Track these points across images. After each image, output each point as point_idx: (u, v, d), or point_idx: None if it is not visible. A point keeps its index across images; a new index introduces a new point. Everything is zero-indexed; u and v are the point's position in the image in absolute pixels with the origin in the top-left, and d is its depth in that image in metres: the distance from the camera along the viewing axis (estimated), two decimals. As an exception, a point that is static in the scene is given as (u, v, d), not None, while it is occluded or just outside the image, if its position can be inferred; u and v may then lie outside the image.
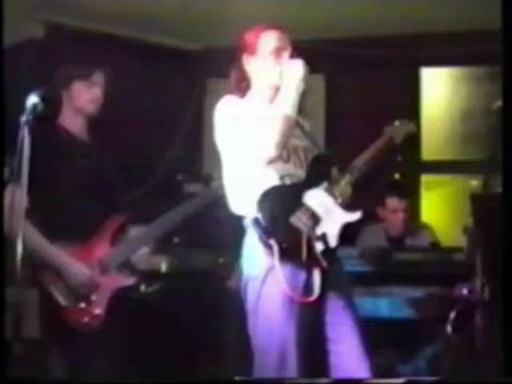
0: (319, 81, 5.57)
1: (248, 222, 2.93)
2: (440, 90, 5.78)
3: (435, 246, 4.79)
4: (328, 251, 2.90)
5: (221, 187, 3.09)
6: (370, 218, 4.54)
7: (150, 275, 4.47)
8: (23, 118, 2.85)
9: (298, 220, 2.88)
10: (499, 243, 2.87)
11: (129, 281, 3.55)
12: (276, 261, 2.82)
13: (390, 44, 5.37)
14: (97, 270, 3.43)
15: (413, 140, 3.42)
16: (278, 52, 3.00)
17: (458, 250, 4.15)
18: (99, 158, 3.59)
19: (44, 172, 3.27)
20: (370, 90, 5.51)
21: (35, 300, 3.27)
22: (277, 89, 3.00)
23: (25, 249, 2.80)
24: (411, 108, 5.57)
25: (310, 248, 2.87)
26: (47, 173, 3.34)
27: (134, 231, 3.62)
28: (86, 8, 4.88)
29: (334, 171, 3.05)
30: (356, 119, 5.49)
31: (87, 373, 3.33)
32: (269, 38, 3.02)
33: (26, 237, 2.86)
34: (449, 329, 3.89)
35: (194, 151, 5.59)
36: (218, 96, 3.07)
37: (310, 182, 2.97)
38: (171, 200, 4.04)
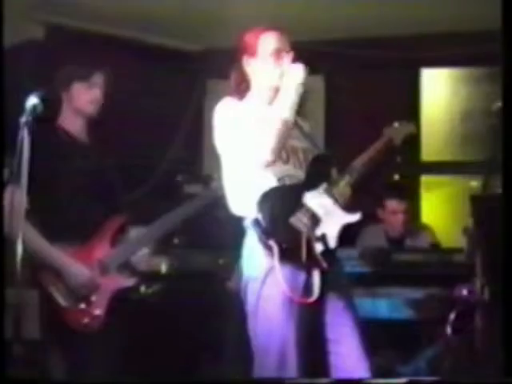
0: (319, 82, 5.57)
1: (248, 223, 2.93)
2: (440, 91, 5.78)
3: (435, 246, 4.79)
4: (328, 252, 2.90)
5: (221, 188, 3.09)
6: (369, 219, 4.54)
7: (150, 276, 4.47)
8: (23, 119, 2.85)
9: (298, 221, 2.88)
10: (499, 244, 2.87)
11: (129, 282, 3.55)
12: (276, 261, 2.82)
13: (390, 45, 5.37)
14: (97, 271, 3.43)
15: (412, 141, 3.42)
16: (277, 53, 3.00)
17: (458, 250, 4.15)
18: (99, 158, 3.60)
19: (44, 173, 3.27)
20: (370, 91, 5.51)
21: (35, 301, 3.27)
22: (276, 90, 3.01)
23: (25, 249, 2.80)
24: (411, 109, 5.57)
25: (310, 249, 2.87)
26: (47, 174, 3.34)
27: (134, 232, 3.62)
28: (86, 9, 4.88)
29: (334, 172, 3.05)
30: (356, 120, 5.49)
31: (87, 373, 3.33)
32: (269, 39, 3.02)
33: (25, 237, 2.87)
34: (449, 330, 3.89)
35: (193, 152, 5.59)
36: (217, 97, 3.07)
37: (310, 182, 2.97)
38: (171, 201, 4.04)
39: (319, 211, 2.92)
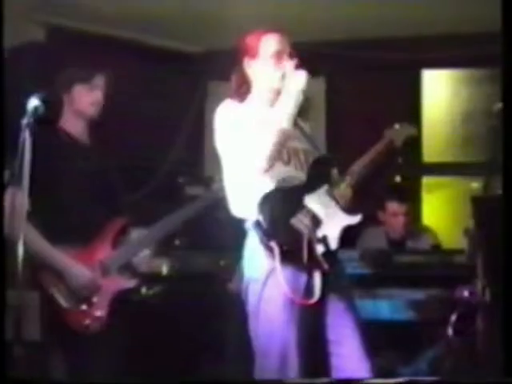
0: (320, 83, 5.57)
1: (249, 225, 2.93)
2: (440, 92, 5.78)
3: (436, 248, 4.79)
4: (329, 253, 2.90)
5: (222, 189, 3.09)
6: (370, 220, 4.54)
7: (151, 277, 4.47)
8: (24, 121, 2.85)
9: (299, 222, 2.89)
10: (500, 245, 2.87)
11: (130, 283, 3.55)
12: (277, 263, 2.83)
13: (391, 46, 5.37)
14: (98, 272, 3.43)
15: (413, 143, 3.42)
16: (278, 55, 3.01)
17: (459, 252, 4.15)
18: (100, 160, 3.60)
19: (45, 174, 3.27)
20: (371, 92, 5.50)
21: (36, 302, 3.27)
22: (277, 92, 3.01)
23: (26, 251, 2.81)
24: (412, 110, 5.57)
25: (311, 250, 2.88)
26: (48, 175, 3.34)
27: (135, 234, 3.62)
28: (86, 10, 4.88)
29: (335, 174, 3.05)
30: (357, 122, 5.49)
31: (88, 375, 3.33)
32: (270, 41, 3.02)
33: (27, 239, 2.87)
34: (450, 331, 3.89)
35: (195, 154, 5.59)
36: (219, 99, 3.08)
37: (311, 184, 2.98)
38: (172, 202, 4.05)
39: (320, 213, 2.93)
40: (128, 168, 3.84)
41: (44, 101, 2.88)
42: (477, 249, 3.66)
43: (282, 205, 2.91)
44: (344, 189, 2.99)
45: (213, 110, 3.04)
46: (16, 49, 4.57)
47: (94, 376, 3.34)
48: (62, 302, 3.34)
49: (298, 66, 2.97)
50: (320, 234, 2.91)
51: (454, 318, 3.87)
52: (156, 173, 5.36)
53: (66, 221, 3.40)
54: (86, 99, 3.54)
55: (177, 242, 4.82)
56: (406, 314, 4.16)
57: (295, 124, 3.03)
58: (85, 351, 3.33)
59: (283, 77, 2.98)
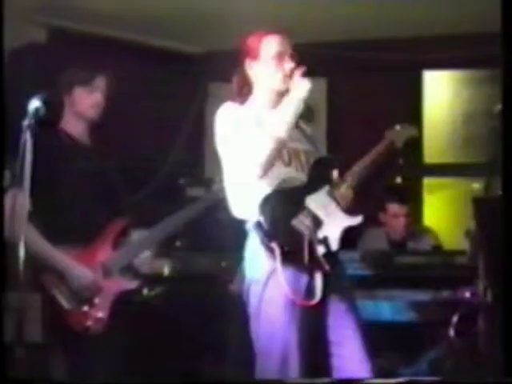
0: (320, 84, 5.57)
1: (250, 226, 2.93)
2: (441, 93, 5.78)
3: (437, 249, 4.78)
4: (330, 254, 2.90)
5: (222, 190, 3.09)
6: (371, 221, 4.54)
7: (153, 278, 4.47)
8: (25, 122, 2.85)
9: (300, 223, 2.88)
10: (500, 246, 2.87)
11: (131, 284, 3.56)
12: (278, 264, 2.82)
13: (391, 47, 5.36)
14: (99, 274, 3.43)
15: (414, 144, 3.41)
16: (280, 57, 3.01)
17: (461, 253, 4.15)
18: (101, 161, 3.60)
19: (46, 175, 3.28)
20: (372, 93, 5.50)
21: (37, 303, 3.27)
22: (278, 93, 3.02)
23: (27, 252, 2.81)
24: (413, 111, 5.56)
25: (312, 251, 2.88)
26: (49, 176, 3.35)
27: (137, 235, 3.63)
28: (87, 11, 4.88)
29: (335, 175, 3.05)
30: (357, 123, 5.49)
31: (90, 376, 3.33)
32: (271, 42, 3.02)
33: (28, 240, 2.87)
34: (451, 332, 3.89)
35: (195, 155, 5.59)
36: (219, 100, 3.08)
37: (312, 185, 2.97)
38: (173, 203, 4.05)
39: (321, 214, 2.93)
40: (128, 169, 3.85)
41: (45, 102, 2.88)
42: (478, 250, 3.66)
43: (283, 206, 2.91)
44: (345, 190, 2.99)
45: (213, 111, 3.04)
46: (17, 50, 4.57)
47: (96, 377, 3.34)
48: (64, 303, 3.34)
49: (300, 69, 2.97)
50: (321, 235, 2.90)
51: (455, 319, 3.87)
52: (156, 174, 5.36)
53: (67, 222, 3.40)
54: (86, 101, 3.54)
55: (178, 243, 4.81)
56: (407, 315, 4.16)
57: (296, 126, 3.03)
58: (86, 352, 3.33)
59: (286, 80, 2.98)
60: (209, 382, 4.12)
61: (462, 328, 3.86)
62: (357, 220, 2.97)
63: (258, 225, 2.88)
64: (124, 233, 3.58)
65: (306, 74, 2.97)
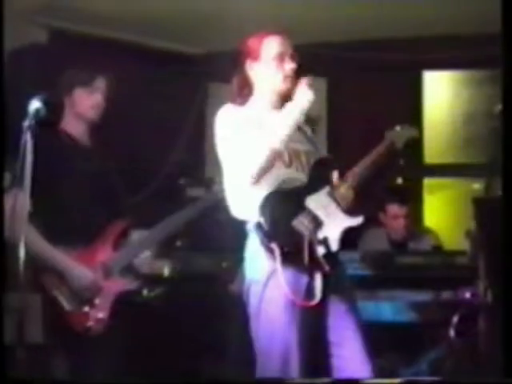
0: (321, 85, 5.57)
1: (250, 226, 2.93)
2: (442, 94, 5.78)
3: (438, 249, 4.78)
4: (330, 255, 2.90)
5: (222, 191, 3.09)
6: (371, 222, 4.54)
7: (153, 279, 4.47)
8: (26, 123, 2.85)
9: (300, 224, 2.88)
10: (499, 246, 2.87)
11: (132, 285, 3.56)
12: (278, 265, 2.82)
13: (392, 47, 5.36)
14: (100, 274, 3.44)
15: (414, 145, 3.41)
16: (280, 57, 3.01)
17: (461, 253, 4.15)
18: (101, 162, 3.60)
19: (46, 176, 3.28)
20: (372, 94, 5.50)
21: (38, 304, 3.27)
22: (279, 94, 3.02)
23: (27, 252, 2.81)
24: (413, 111, 5.56)
25: (312, 252, 2.87)
26: (49, 177, 3.35)
27: (137, 235, 3.63)
28: (88, 12, 4.88)
29: (336, 175, 3.05)
30: (358, 123, 5.49)
31: (91, 376, 3.33)
32: (272, 43, 3.03)
33: (29, 240, 2.87)
34: (452, 332, 3.89)
35: (196, 155, 5.59)
36: (220, 100, 3.08)
37: (312, 186, 2.97)
38: (173, 204, 4.05)
39: (321, 214, 2.93)
40: (129, 170, 3.85)
41: (45, 103, 2.88)
42: (478, 250, 3.67)
43: (283, 206, 2.91)
44: (345, 190, 2.99)
45: (214, 112, 3.04)
46: (17, 51, 4.57)
47: (96, 377, 3.34)
48: (65, 304, 3.34)
49: (305, 78, 2.97)
50: (321, 235, 2.90)
51: (455, 319, 3.87)
52: (157, 174, 5.36)
53: (67, 222, 3.40)
54: (86, 102, 3.54)
55: (178, 244, 4.81)
56: (408, 316, 4.16)
57: (297, 127, 3.04)
58: (87, 353, 3.33)
59: (287, 81, 2.98)
60: (209, 382, 4.12)
61: (462, 328, 3.86)
62: (357, 221, 2.97)
63: (258, 225, 2.88)
64: (124, 233, 3.58)
65: (306, 75, 2.98)
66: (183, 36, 5.38)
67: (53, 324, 3.32)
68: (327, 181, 3.01)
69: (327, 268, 2.89)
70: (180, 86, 5.49)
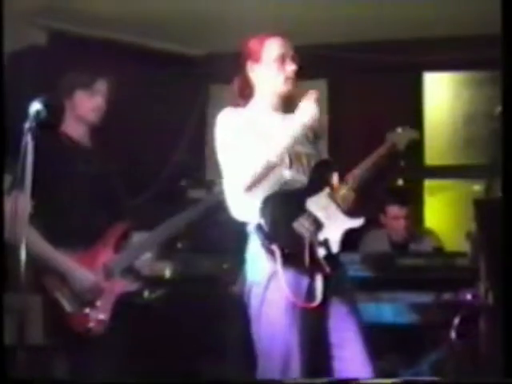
0: (321, 86, 5.57)
1: (251, 228, 2.93)
2: (442, 95, 5.78)
3: (438, 251, 4.78)
4: (330, 256, 2.90)
5: (223, 192, 3.08)
6: (372, 224, 4.54)
7: (154, 281, 4.48)
8: (26, 125, 2.85)
9: (301, 226, 2.88)
10: (500, 248, 2.87)
11: (133, 286, 3.56)
12: (278, 266, 2.82)
13: (392, 49, 5.36)
14: (101, 276, 3.44)
15: (415, 146, 3.41)
16: (282, 59, 3.01)
17: (462, 255, 4.15)
18: (102, 164, 3.60)
19: (47, 178, 3.28)
20: (372, 95, 5.51)
21: (38, 305, 3.28)
22: (280, 96, 3.02)
23: (28, 254, 2.81)
24: (413, 112, 5.56)
25: (313, 253, 2.87)
26: (50, 179, 3.35)
27: (138, 237, 3.63)
28: (88, 14, 4.89)
29: (337, 177, 3.05)
30: (358, 125, 5.49)
31: (91, 378, 3.33)
32: (273, 45, 3.03)
33: (29, 242, 2.87)
34: (453, 334, 3.88)
35: (197, 157, 5.59)
36: (221, 102, 3.08)
37: (313, 187, 2.97)
38: (175, 206, 4.04)
39: (322, 216, 2.93)
40: (130, 171, 3.85)
41: (46, 105, 2.88)
42: (479, 252, 3.66)
43: (284, 208, 2.91)
44: (346, 192, 2.99)
45: (215, 114, 3.04)
46: (17, 53, 4.58)
47: (97, 379, 3.34)
48: (66, 305, 3.35)
49: (311, 95, 2.98)
50: (321, 237, 2.90)
51: (456, 321, 3.87)
52: (158, 176, 5.36)
53: (68, 224, 3.41)
54: (87, 105, 3.54)
55: (179, 245, 4.81)
56: (409, 317, 4.16)
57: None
58: (87, 354, 3.33)
59: (288, 82, 2.99)
60: (209, 382, 4.12)
61: (463, 330, 3.85)
62: (358, 222, 2.97)
63: (259, 227, 2.88)
64: (125, 235, 3.58)
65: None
66: (184, 37, 5.38)
67: (53, 325, 3.32)
68: (328, 183, 3.01)
69: (328, 270, 2.89)
70: (181, 88, 5.49)
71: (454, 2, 4.68)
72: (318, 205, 2.94)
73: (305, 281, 2.88)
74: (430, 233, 5.05)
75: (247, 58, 3.05)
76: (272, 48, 3.02)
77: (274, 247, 2.84)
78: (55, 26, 5.11)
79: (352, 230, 2.95)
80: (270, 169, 2.88)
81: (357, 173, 3.03)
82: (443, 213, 5.74)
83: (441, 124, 5.73)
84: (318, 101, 2.97)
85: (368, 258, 4.29)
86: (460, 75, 5.75)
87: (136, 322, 3.64)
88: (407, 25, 5.01)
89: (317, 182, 2.99)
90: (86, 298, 3.37)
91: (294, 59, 3.03)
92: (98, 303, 3.40)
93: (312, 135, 3.12)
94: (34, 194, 2.84)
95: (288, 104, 3.07)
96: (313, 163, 3.02)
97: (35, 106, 2.87)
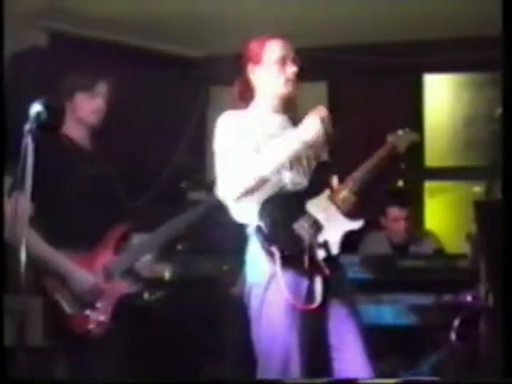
0: (322, 88, 5.58)
1: (250, 230, 2.93)
2: (442, 97, 5.78)
3: (439, 252, 4.78)
4: (330, 258, 2.90)
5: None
6: (372, 226, 4.54)
7: (154, 282, 4.47)
8: (27, 127, 2.85)
9: (300, 227, 2.88)
10: (500, 249, 2.87)
11: (133, 288, 3.56)
12: (278, 268, 2.82)
13: (392, 51, 5.37)
14: (101, 278, 3.44)
15: (416, 149, 3.41)
16: (282, 61, 3.01)
17: (462, 256, 4.15)
18: (102, 165, 3.61)
19: (48, 180, 3.28)
20: (373, 97, 5.51)
21: (39, 307, 3.28)
22: (280, 98, 3.02)
23: (29, 256, 2.81)
24: (413, 114, 5.57)
25: (312, 255, 2.87)
26: (51, 181, 3.35)
27: (138, 238, 3.63)
28: (88, 16, 4.89)
29: (337, 179, 3.05)
30: (359, 127, 5.49)
31: (91, 379, 3.33)
32: (273, 47, 3.03)
33: (30, 244, 2.87)
34: (453, 336, 3.88)
35: (197, 158, 5.59)
36: (221, 103, 3.08)
37: (313, 189, 2.97)
38: (175, 207, 4.05)
39: (321, 218, 2.92)
40: (130, 173, 3.85)
41: (46, 106, 2.88)
42: (479, 253, 3.66)
43: (284, 210, 2.91)
44: (346, 194, 2.98)
45: (215, 115, 3.03)
46: (18, 54, 4.58)
47: (97, 380, 3.34)
48: (66, 307, 3.35)
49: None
50: (321, 239, 2.90)
51: (457, 322, 3.86)
52: (158, 178, 5.36)
53: (69, 226, 3.41)
54: (87, 107, 3.55)
55: (179, 247, 4.81)
56: (409, 319, 4.16)
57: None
58: (88, 356, 3.33)
59: (288, 84, 2.99)
60: (209, 382, 4.12)
61: (463, 331, 3.85)
62: (358, 224, 2.97)
63: (259, 229, 2.88)
64: (125, 237, 3.58)
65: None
66: (184, 39, 5.38)
67: (54, 327, 3.33)
68: (328, 185, 3.01)
69: (327, 272, 2.89)
70: (181, 90, 5.49)
71: (454, 4, 4.68)
72: (318, 207, 2.94)
73: (304, 283, 2.88)
74: (430, 234, 5.05)
75: (248, 60, 3.05)
76: (273, 50, 3.02)
77: (274, 249, 2.84)
78: (56, 28, 5.11)
79: (352, 232, 2.95)
80: (262, 182, 2.88)
81: (357, 175, 3.03)
82: (443, 214, 5.74)
83: (441, 126, 5.73)
84: (325, 119, 2.94)
85: (368, 260, 4.30)
86: (460, 77, 5.75)
87: (136, 323, 3.64)
88: (407, 26, 5.01)
89: (317, 183, 2.99)
90: (86, 300, 3.37)
91: (294, 61, 3.02)
92: (98, 305, 3.40)
93: (313, 152, 3.09)
94: (34, 196, 2.84)
95: (289, 106, 3.07)
96: (313, 165, 3.03)
97: (36, 108, 2.87)
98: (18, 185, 2.82)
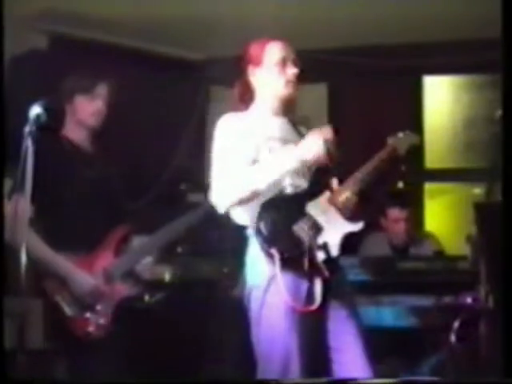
0: (322, 90, 5.58)
1: (250, 232, 2.93)
2: (442, 98, 5.78)
3: (439, 254, 4.78)
4: (330, 260, 2.90)
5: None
6: (372, 227, 4.54)
7: (154, 285, 4.47)
8: (27, 129, 2.85)
9: (300, 229, 2.88)
10: (500, 251, 2.87)
11: (133, 290, 3.56)
12: (277, 270, 2.82)
13: (392, 53, 5.37)
14: (101, 280, 3.44)
15: (416, 151, 3.41)
16: (283, 63, 3.01)
17: (462, 258, 4.15)
18: (103, 167, 3.61)
19: (48, 182, 3.28)
20: (373, 99, 5.51)
21: (39, 309, 3.28)
22: (280, 99, 3.02)
23: (29, 258, 2.81)
24: (413, 116, 5.57)
25: (312, 257, 2.87)
26: (51, 183, 3.35)
27: (138, 241, 3.63)
28: (88, 18, 4.89)
29: (337, 181, 3.04)
30: (359, 129, 5.49)
31: (91, 381, 3.33)
32: (274, 49, 3.03)
33: (30, 246, 2.87)
34: (453, 337, 3.88)
35: (197, 161, 5.58)
36: (221, 105, 3.08)
37: (313, 191, 2.97)
38: (175, 209, 4.05)
39: (321, 220, 2.92)
40: (130, 175, 3.85)
41: (46, 109, 2.88)
42: (479, 255, 3.66)
43: (283, 212, 2.91)
44: (346, 196, 2.98)
45: (215, 117, 3.03)
46: (18, 57, 4.58)
47: (97, 382, 3.34)
48: (66, 309, 3.35)
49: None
50: (321, 241, 2.90)
51: (457, 324, 3.86)
52: (158, 180, 5.36)
53: (69, 228, 3.41)
54: (87, 109, 3.55)
55: (179, 249, 4.81)
56: (409, 321, 4.16)
57: (298, 132, 3.04)
58: (88, 358, 3.33)
59: (289, 86, 2.99)
60: (209, 382, 4.12)
61: (463, 333, 3.85)
62: (358, 226, 2.96)
63: (258, 231, 2.88)
64: (125, 239, 3.58)
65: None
66: (184, 41, 5.38)
67: (54, 329, 3.33)
68: (328, 186, 3.01)
69: (327, 273, 2.89)
70: (181, 92, 5.49)
71: (453, 6, 4.68)
72: (318, 209, 2.94)
73: (304, 284, 2.88)
74: (430, 236, 5.05)
75: (248, 62, 3.05)
76: (273, 52, 3.03)
77: (273, 251, 2.84)
78: (56, 30, 5.11)
79: (352, 234, 2.95)
80: (255, 195, 2.88)
81: (357, 177, 3.02)
82: (443, 216, 5.74)
83: (441, 127, 5.73)
84: (328, 141, 2.92)
85: (368, 262, 4.30)
86: (460, 79, 5.75)
87: (136, 325, 3.64)
88: (407, 28, 5.01)
89: (317, 185, 2.99)
90: (87, 302, 3.37)
91: (295, 63, 3.03)
92: (98, 307, 3.40)
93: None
94: (34, 198, 2.85)
95: (289, 108, 3.07)
96: (313, 167, 3.02)
97: (36, 110, 2.88)
98: (18, 187, 2.83)
